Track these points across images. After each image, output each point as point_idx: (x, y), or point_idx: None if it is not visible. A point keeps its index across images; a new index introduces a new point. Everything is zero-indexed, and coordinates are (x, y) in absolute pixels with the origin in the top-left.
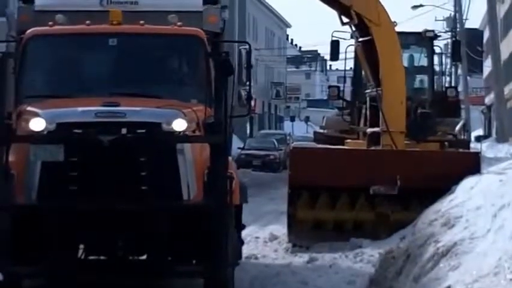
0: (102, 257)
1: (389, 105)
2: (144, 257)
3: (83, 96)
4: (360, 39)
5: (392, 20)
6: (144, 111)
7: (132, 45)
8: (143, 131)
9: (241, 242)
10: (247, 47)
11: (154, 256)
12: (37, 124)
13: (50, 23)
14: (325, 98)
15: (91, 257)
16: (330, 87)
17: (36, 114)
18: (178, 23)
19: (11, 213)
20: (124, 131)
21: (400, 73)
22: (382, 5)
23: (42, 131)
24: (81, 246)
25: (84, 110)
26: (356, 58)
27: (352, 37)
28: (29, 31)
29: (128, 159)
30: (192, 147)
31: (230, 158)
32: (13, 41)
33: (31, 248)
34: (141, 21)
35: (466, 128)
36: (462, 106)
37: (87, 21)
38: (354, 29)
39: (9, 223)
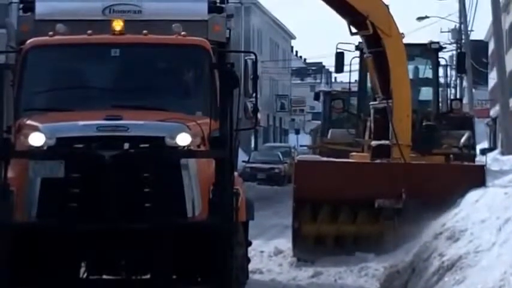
0: (104, 277)
1: (398, 118)
2: (148, 276)
3: (85, 109)
4: (371, 51)
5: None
6: (147, 125)
7: (135, 56)
8: (146, 145)
9: (248, 260)
10: (253, 57)
11: (158, 275)
12: (36, 139)
13: (51, 33)
14: None
15: (93, 277)
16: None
17: (36, 129)
18: (183, 33)
19: (10, 232)
20: (127, 145)
21: (407, 85)
22: (393, 17)
23: (42, 146)
24: (83, 265)
25: (85, 124)
26: (361, 70)
27: (357, 49)
28: (28, 41)
29: (130, 175)
30: (196, 163)
31: (236, 173)
32: (13, 51)
33: (31, 267)
34: (144, 31)
35: (471, 141)
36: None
37: (89, 31)
38: (362, 40)
39: (8, 241)
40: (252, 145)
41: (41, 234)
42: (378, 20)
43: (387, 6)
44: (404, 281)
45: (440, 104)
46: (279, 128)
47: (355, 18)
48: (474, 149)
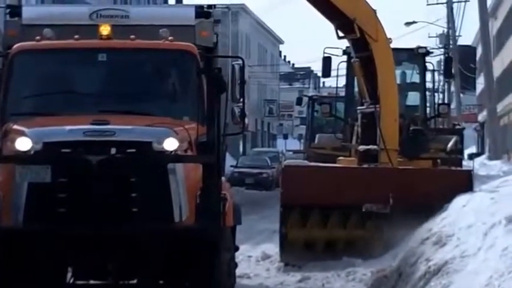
0: (91, 282)
1: (385, 122)
2: (135, 281)
3: (72, 114)
4: (358, 55)
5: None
6: (134, 130)
7: (122, 61)
8: (133, 150)
9: (235, 265)
10: (240, 62)
11: (145, 280)
12: (23, 144)
13: (38, 37)
14: None
15: (79, 282)
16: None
17: (22, 133)
18: (170, 38)
19: None
20: (113, 150)
21: (394, 90)
22: (380, 22)
23: (29, 150)
24: (70, 270)
25: (72, 129)
26: (348, 75)
27: (344, 53)
28: (15, 46)
29: (117, 180)
30: (184, 167)
31: (223, 178)
32: None
33: (17, 272)
34: (132, 36)
35: (459, 146)
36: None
37: (76, 36)
38: (349, 44)
39: None
40: (240, 150)
41: (27, 239)
42: (365, 24)
43: (375, 10)
44: (391, 285)
45: (428, 109)
46: (267, 132)
47: (343, 22)
48: (461, 153)
